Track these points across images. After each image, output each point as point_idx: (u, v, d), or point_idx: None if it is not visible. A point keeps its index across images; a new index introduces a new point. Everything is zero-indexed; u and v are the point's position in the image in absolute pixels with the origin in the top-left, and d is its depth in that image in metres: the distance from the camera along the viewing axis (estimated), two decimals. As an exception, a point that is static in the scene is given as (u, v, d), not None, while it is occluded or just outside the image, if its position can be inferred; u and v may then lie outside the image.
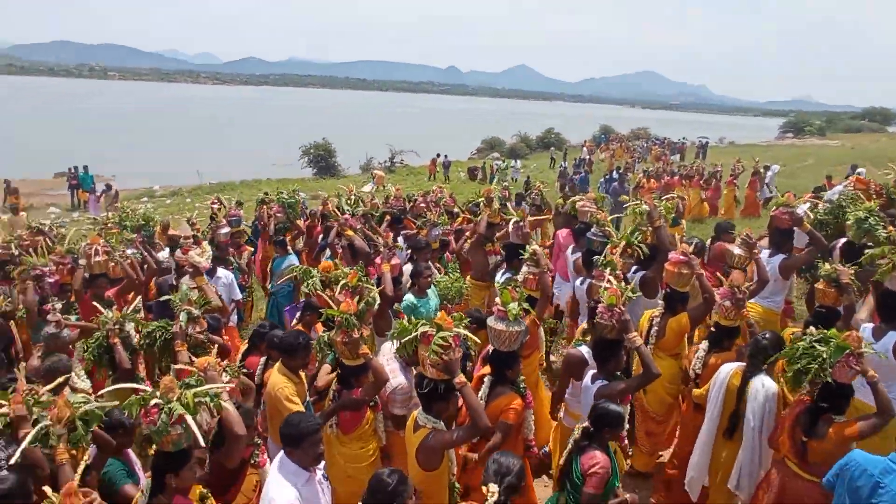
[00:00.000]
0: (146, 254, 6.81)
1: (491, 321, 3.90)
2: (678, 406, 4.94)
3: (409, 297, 5.71)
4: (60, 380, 3.65)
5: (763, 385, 3.92)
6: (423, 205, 9.96)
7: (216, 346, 4.41)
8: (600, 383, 3.86)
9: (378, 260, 5.86)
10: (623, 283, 4.32)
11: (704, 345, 4.57)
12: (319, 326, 5.16)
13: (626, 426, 3.70)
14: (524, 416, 3.91)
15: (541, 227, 10.30)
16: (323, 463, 3.25)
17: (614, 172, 19.96)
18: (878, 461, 3.03)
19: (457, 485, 3.60)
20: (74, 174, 21.65)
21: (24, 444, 2.83)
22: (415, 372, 4.32)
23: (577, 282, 5.76)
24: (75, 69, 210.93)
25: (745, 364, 4.08)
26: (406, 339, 3.51)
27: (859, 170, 14.68)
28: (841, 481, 3.15)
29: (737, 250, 5.38)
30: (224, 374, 3.50)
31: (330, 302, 4.22)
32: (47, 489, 2.57)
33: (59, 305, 4.91)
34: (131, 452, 3.48)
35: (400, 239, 7.79)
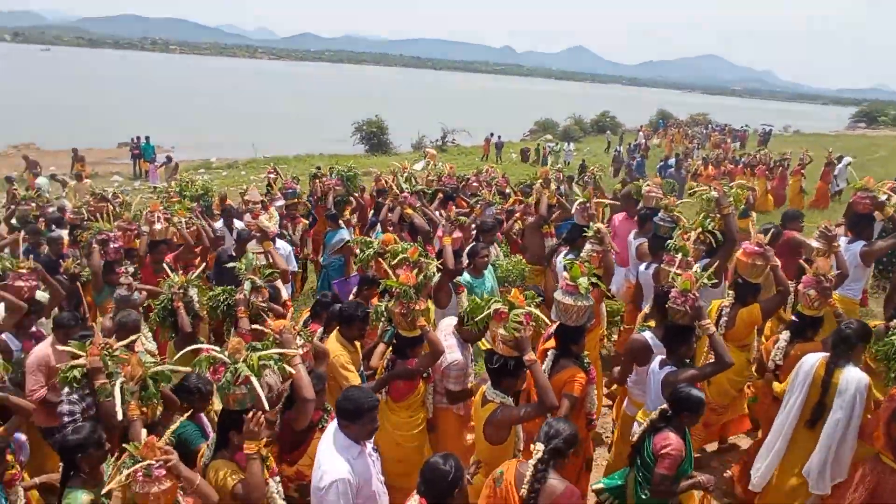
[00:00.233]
0: (204, 223, 7.03)
1: (559, 295, 3.87)
2: (740, 398, 4.77)
3: (466, 276, 5.68)
4: (133, 337, 3.83)
5: (853, 377, 3.72)
6: (475, 184, 9.87)
7: (274, 314, 4.50)
8: (669, 369, 3.77)
9: (439, 233, 5.87)
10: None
11: (786, 335, 4.38)
12: (374, 301, 5.20)
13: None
14: (587, 391, 3.87)
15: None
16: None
17: (671, 159, 19.36)
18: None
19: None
20: (137, 144, 22.37)
21: (117, 396, 3.01)
22: (470, 349, 4.34)
23: (642, 267, 5.62)
24: (138, 42, 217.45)
25: (829, 354, 3.89)
26: (480, 316, 3.51)
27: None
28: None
29: (815, 243, 5.11)
30: (298, 338, 3.55)
31: (390, 272, 4.26)
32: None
33: (131, 269, 5.11)
34: (204, 416, 3.61)
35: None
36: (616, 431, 4.65)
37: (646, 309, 4.80)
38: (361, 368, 4.50)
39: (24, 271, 4.69)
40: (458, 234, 5.86)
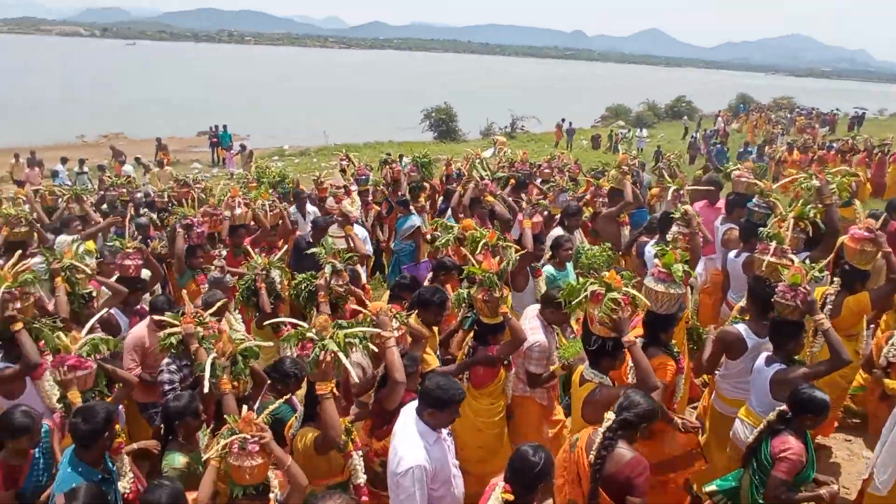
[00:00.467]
0: (280, 208, 7.21)
1: (649, 282, 3.71)
2: (841, 397, 4.46)
3: (549, 269, 5.58)
4: (220, 303, 4.15)
5: None
6: (547, 170, 9.69)
7: (355, 297, 4.56)
8: (777, 367, 3.56)
9: (520, 216, 5.82)
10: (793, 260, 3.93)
11: None
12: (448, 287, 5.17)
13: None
14: (675, 382, 3.71)
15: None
16: None
17: (751, 146, 18.38)
18: None
19: None
20: (215, 133, 23.32)
21: (207, 371, 3.17)
22: (554, 333, 4.25)
23: (731, 254, 5.34)
24: (216, 35, 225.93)
25: None
26: (576, 300, 3.45)
27: None
28: None
29: None
30: (394, 320, 3.59)
31: (472, 258, 4.22)
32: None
33: (224, 253, 5.34)
34: (294, 398, 3.73)
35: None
36: (707, 425, 4.43)
37: (741, 302, 4.52)
38: (438, 352, 4.49)
39: (131, 251, 5.05)
40: (538, 218, 5.78)
